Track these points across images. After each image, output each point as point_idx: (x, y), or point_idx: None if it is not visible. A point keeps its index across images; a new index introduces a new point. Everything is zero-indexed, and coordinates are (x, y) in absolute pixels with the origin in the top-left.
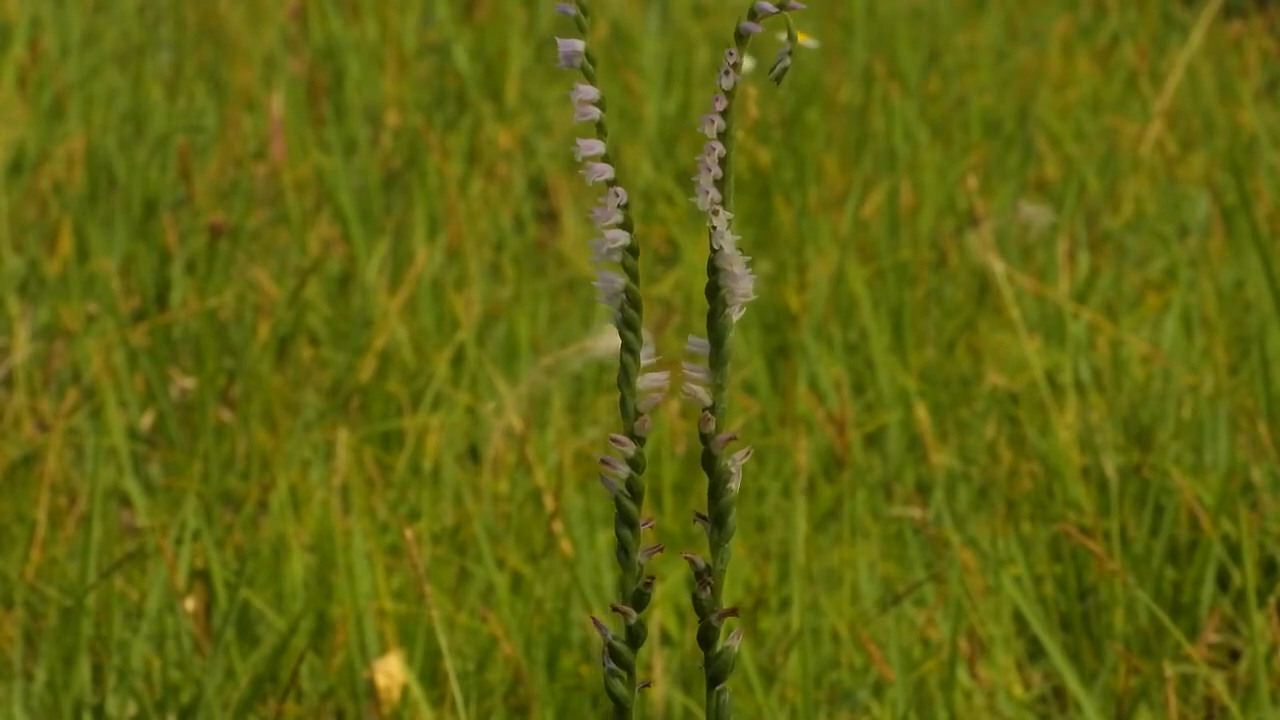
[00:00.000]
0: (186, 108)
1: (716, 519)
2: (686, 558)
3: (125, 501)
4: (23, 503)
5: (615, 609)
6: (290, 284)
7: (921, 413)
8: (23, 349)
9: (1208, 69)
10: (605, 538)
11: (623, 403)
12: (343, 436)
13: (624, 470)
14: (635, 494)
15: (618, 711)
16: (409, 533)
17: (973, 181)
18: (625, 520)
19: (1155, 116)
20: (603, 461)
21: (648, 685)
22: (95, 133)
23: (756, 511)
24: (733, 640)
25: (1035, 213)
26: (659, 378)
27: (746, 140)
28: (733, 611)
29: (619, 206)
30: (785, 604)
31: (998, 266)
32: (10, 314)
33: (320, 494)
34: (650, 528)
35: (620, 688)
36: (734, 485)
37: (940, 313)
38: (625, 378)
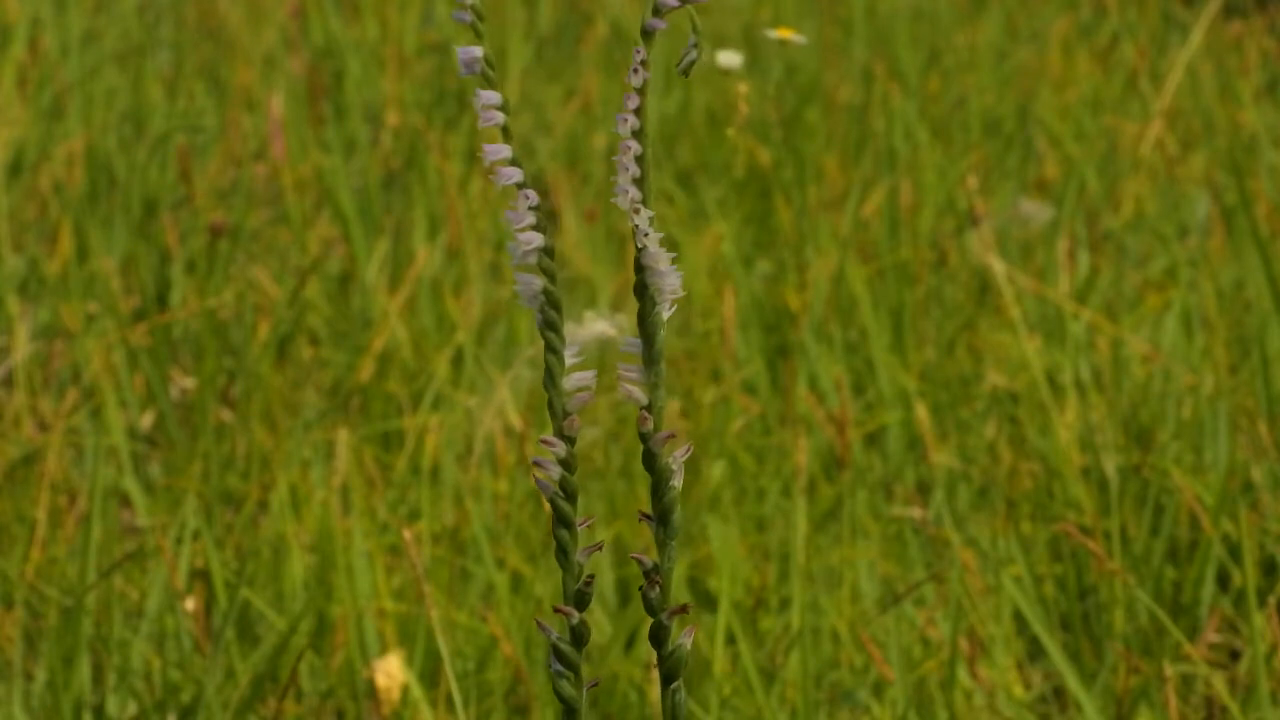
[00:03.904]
0: (186, 107)
1: (661, 517)
2: (634, 558)
3: (125, 501)
4: (23, 503)
5: (557, 609)
6: (290, 284)
7: (921, 413)
8: (23, 349)
9: (1208, 69)
10: (604, 537)
11: (550, 404)
12: (343, 436)
13: (556, 471)
14: (569, 494)
15: (566, 712)
16: (408, 533)
17: (973, 181)
18: (561, 521)
19: (1155, 116)
20: (534, 463)
21: (595, 684)
22: (95, 133)
23: (756, 511)
24: (685, 638)
25: (1035, 209)
26: (585, 377)
27: (746, 139)
28: (683, 609)
29: (531, 208)
30: (785, 604)
31: (998, 266)
32: (10, 314)
33: (320, 494)
34: (587, 526)
35: (568, 688)
36: (676, 483)
37: (940, 313)
38: (550, 379)
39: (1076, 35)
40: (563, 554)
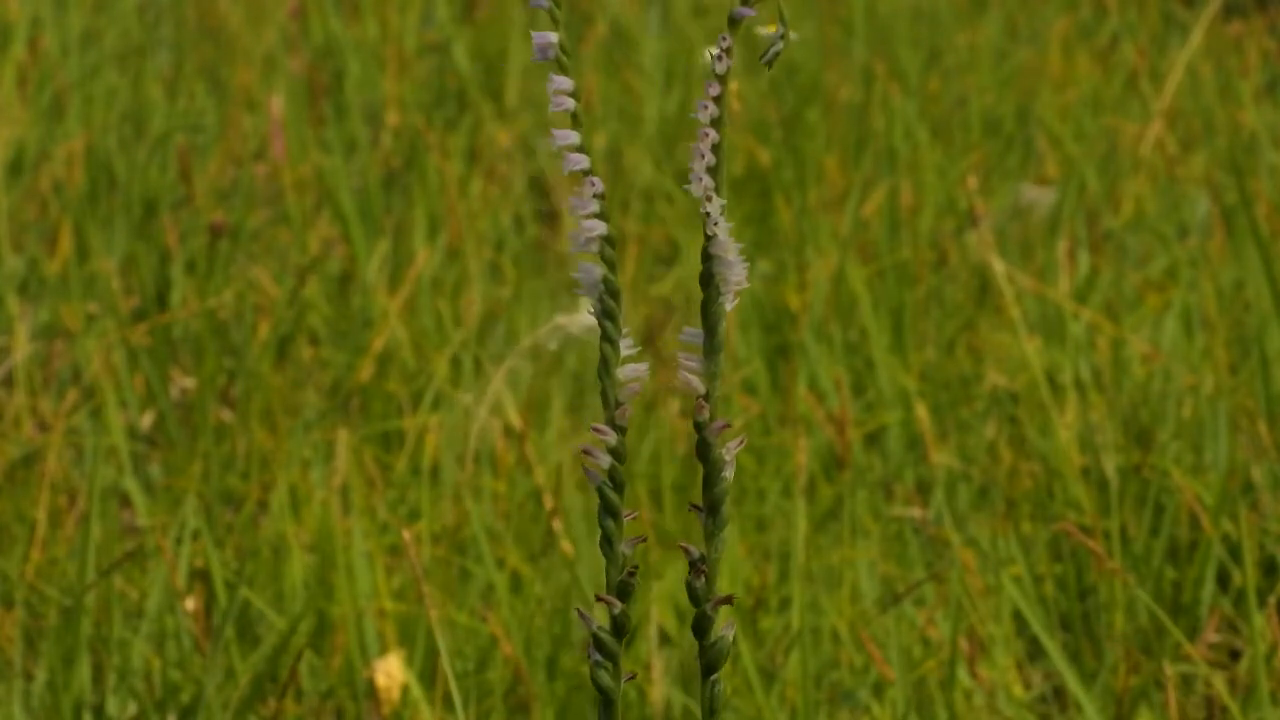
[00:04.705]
0: (186, 107)
1: (711, 508)
2: (681, 546)
3: (125, 501)
4: (23, 503)
5: (600, 598)
6: (290, 284)
7: (921, 413)
8: (23, 349)
9: (1208, 69)
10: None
11: (603, 393)
12: (343, 436)
13: (606, 460)
14: (617, 484)
15: (604, 703)
16: (408, 533)
17: (973, 181)
18: (608, 510)
19: (1155, 116)
20: (584, 451)
21: (633, 677)
22: (95, 133)
23: (756, 511)
24: (727, 630)
25: (1038, 194)
26: (639, 368)
27: (746, 139)
28: (728, 599)
29: (595, 196)
30: (785, 604)
31: (998, 265)
32: (10, 314)
33: (320, 494)
34: (634, 518)
35: (605, 679)
36: (728, 474)
37: (940, 313)
38: (605, 368)
39: (1076, 35)
40: (608, 544)
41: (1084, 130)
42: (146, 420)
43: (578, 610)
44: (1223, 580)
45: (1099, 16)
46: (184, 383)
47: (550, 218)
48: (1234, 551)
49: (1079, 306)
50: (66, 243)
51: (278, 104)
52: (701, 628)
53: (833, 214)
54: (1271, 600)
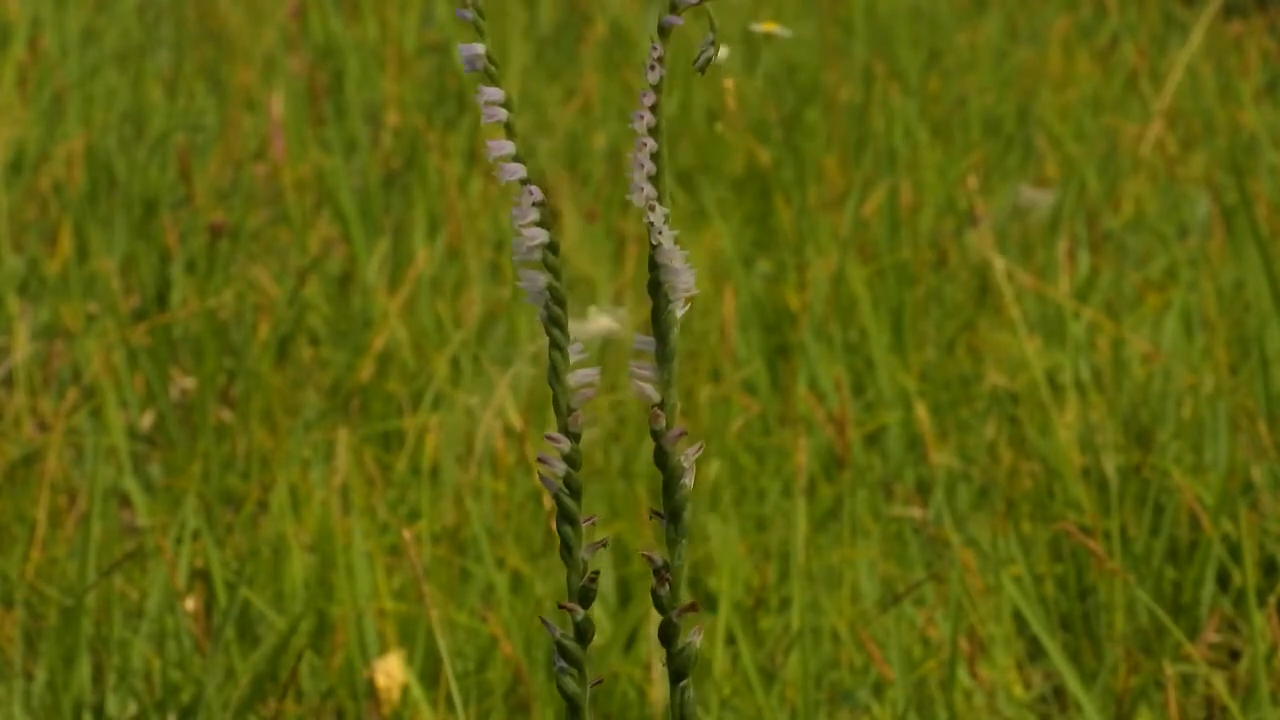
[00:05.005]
0: (186, 107)
1: (672, 515)
2: (644, 555)
3: (125, 501)
4: (23, 503)
5: (562, 606)
6: (290, 284)
7: (921, 413)
8: (23, 349)
9: (1208, 69)
10: (605, 536)
11: (555, 400)
12: (343, 436)
13: (561, 467)
14: (574, 490)
15: (570, 710)
16: (408, 533)
17: (973, 181)
18: (566, 517)
19: (1155, 116)
20: (539, 459)
21: (600, 682)
22: (95, 133)
23: (756, 511)
24: (694, 636)
25: (1037, 195)
26: (589, 373)
27: (746, 139)
28: (692, 607)
29: (535, 204)
30: (785, 604)
31: (998, 263)
32: (10, 314)
33: (320, 494)
34: (591, 524)
35: (571, 685)
36: (688, 481)
37: (940, 312)
38: (555, 375)
39: (1076, 35)
40: (567, 550)
41: (1084, 130)
42: (146, 420)
43: (540, 618)
44: (1223, 580)
45: (1099, 16)
46: (184, 383)
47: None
48: (1234, 551)
49: (1079, 306)
50: (66, 243)
51: (278, 104)
52: (668, 635)
53: (833, 214)
54: (1271, 600)
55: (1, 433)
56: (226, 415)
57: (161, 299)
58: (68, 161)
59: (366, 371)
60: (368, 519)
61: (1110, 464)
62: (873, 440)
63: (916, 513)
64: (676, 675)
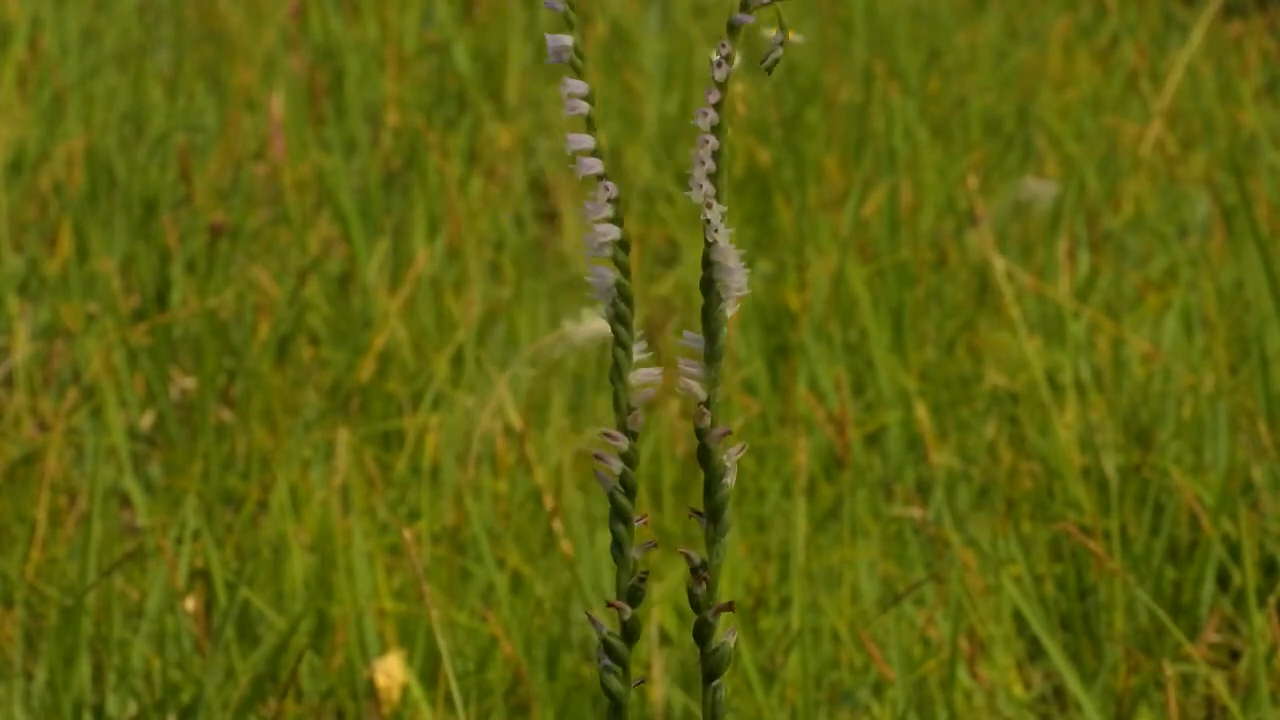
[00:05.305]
0: (186, 107)
1: (712, 514)
2: (682, 553)
3: (125, 501)
4: (23, 503)
5: (610, 604)
6: (290, 284)
7: (921, 413)
8: (23, 349)
9: (1208, 69)
10: (605, 537)
11: (615, 398)
12: (343, 436)
13: (617, 465)
14: (629, 489)
15: (613, 708)
16: (408, 533)
17: (973, 181)
18: (619, 515)
19: (1155, 116)
20: (596, 456)
21: (644, 681)
22: (95, 133)
23: (756, 511)
24: (728, 636)
25: (1039, 188)
26: (651, 372)
27: (746, 139)
28: (729, 606)
29: (609, 200)
30: (785, 604)
31: (998, 263)
32: (10, 314)
33: (320, 494)
34: (645, 524)
35: (615, 683)
36: (729, 480)
37: (940, 312)
38: (617, 372)
39: (1076, 35)
40: (618, 549)
41: (1084, 130)
42: (146, 420)
43: (588, 615)
44: (1223, 580)
45: (1099, 16)
46: (184, 383)
47: (550, 218)
48: (1234, 551)
49: (1079, 306)
50: (66, 243)
51: (278, 104)
52: (703, 635)
53: (833, 214)
54: (1271, 600)
55: (1, 433)
56: (226, 415)
57: (161, 299)
58: (68, 161)
59: (366, 371)
60: (368, 519)
61: (1110, 464)
62: (873, 440)
63: (916, 513)
64: (709, 675)
